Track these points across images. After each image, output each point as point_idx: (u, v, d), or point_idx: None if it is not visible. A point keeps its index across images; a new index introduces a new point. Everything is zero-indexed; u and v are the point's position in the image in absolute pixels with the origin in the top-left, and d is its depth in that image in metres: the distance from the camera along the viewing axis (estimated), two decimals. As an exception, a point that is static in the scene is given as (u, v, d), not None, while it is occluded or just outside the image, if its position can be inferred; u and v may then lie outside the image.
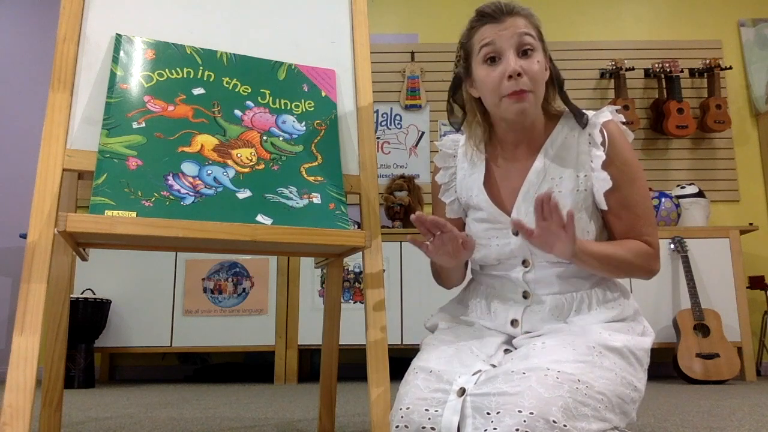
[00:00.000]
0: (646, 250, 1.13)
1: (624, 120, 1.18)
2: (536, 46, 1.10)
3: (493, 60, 1.10)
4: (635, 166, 1.15)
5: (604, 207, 1.14)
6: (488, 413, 0.91)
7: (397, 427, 0.98)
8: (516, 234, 1.16)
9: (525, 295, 1.17)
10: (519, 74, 1.07)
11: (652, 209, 1.18)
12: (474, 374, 1.00)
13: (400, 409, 1.00)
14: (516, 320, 1.15)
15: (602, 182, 1.13)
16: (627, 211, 1.14)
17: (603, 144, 1.13)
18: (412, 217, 1.02)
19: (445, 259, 1.09)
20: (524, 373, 0.94)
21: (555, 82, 1.17)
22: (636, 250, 1.12)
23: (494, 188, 1.21)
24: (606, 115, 1.16)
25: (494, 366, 1.04)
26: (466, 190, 1.25)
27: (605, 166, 1.13)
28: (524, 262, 1.17)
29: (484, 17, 1.12)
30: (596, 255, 1.07)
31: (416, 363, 1.10)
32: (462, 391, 0.97)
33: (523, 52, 1.09)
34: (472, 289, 1.27)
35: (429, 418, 0.96)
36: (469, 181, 1.25)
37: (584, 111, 1.18)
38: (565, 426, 0.88)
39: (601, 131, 1.14)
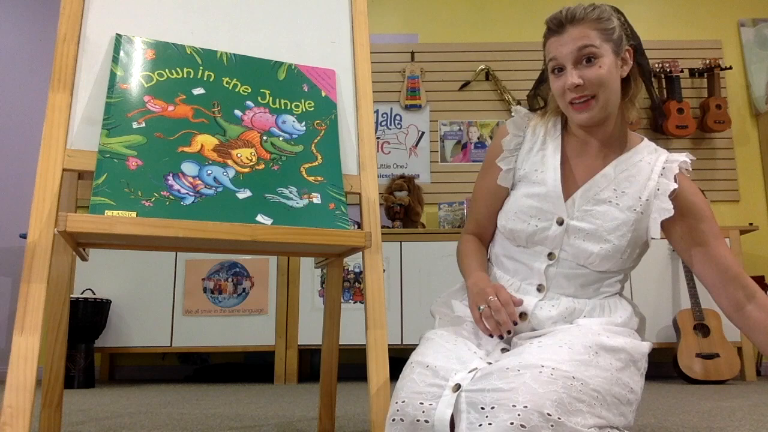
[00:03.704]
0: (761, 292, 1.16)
1: (690, 170, 1.22)
2: (599, 52, 1.12)
3: (560, 71, 1.15)
4: (710, 209, 1.21)
5: (656, 235, 1.16)
6: (482, 408, 0.92)
7: (393, 420, 0.99)
8: (560, 223, 1.17)
9: (539, 288, 1.17)
10: (577, 86, 1.12)
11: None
12: (470, 371, 1.01)
13: (396, 402, 1.00)
14: (525, 314, 1.15)
15: (663, 211, 1.15)
16: (723, 245, 1.17)
17: (675, 180, 1.17)
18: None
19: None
20: (519, 370, 0.95)
21: (639, 76, 1.20)
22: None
23: (561, 173, 1.21)
24: (683, 157, 1.20)
25: (490, 363, 1.04)
26: (530, 164, 1.24)
27: (676, 198, 1.16)
28: (550, 255, 1.18)
29: (549, 30, 1.16)
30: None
31: (414, 358, 1.10)
32: (457, 387, 0.97)
33: (587, 60, 1.12)
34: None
35: (423, 411, 0.97)
36: (537, 155, 1.24)
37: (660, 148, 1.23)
38: (559, 419, 0.88)
39: (678, 167, 1.18)
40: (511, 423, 0.87)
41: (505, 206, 1.24)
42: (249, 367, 3.55)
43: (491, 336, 1.12)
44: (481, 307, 1.12)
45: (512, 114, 1.30)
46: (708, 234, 1.17)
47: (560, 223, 1.17)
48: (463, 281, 1.31)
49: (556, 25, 1.14)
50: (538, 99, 1.29)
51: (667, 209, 1.14)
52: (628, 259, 1.18)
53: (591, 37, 1.11)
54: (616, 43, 1.14)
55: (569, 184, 1.20)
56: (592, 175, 1.19)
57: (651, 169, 1.18)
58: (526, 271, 1.19)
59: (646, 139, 1.24)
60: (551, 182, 1.19)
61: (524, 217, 1.19)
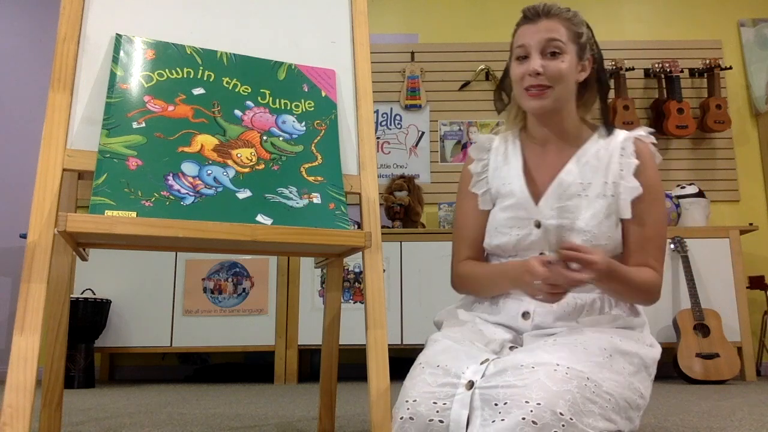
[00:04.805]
0: (655, 281, 1.16)
1: (654, 141, 1.24)
2: (565, 49, 1.17)
3: (524, 58, 1.20)
4: (658, 189, 1.20)
5: (627, 215, 1.17)
6: (496, 404, 0.92)
7: (401, 418, 0.98)
8: (538, 226, 1.19)
9: None
10: (538, 73, 1.16)
11: (665, 238, 1.22)
12: (482, 364, 1.01)
13: (407, 401, 1.00)
14: (527, 312, 1.16)
15: (631, 189, 1.18)
16: (640, 228, 1.18)
17: (636, 156, 1.19)
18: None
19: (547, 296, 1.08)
20: (533, 367, 0.94)
21: (596, 90, 1.25)
22: (649, 279, 1.15)
23: (527, 178, 1.25)
24: (640, 132, 1.23)
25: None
26: (499, 179, 1.28)
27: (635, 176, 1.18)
28: (541, 255, 1.18)
29: (524, 18, 1.22)
30: (622, 276, 1.10)
31: (422, 358, 1.10)
32: (470, 384, 0.97)
33: (551, 53, 1.17)
34: None
35: (437, 411, 0.96)
36: (503, 170, 1.28)
37: (615, 127, 1.26)
38: (571, 419, 0.88)
39: (633, 143, 1.21)
40: (523, 418, 0.87)
41: (487, 226, 1.27)
42: (249, 367, 3.55)
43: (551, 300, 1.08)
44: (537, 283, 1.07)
45: (473, 141, 1.35)
46: (649, 227, 1.18)
47: (538, 225, 1.19)
48: (462, 297, 1.32)
49: (533, 14, 1.19)
50: (502, 94, 1.32)
51: (635, 187, 1.17)
52: (617, 246, 1.19)
53: (560, 32, 1.17)
54: (581, 47, 1.20)
55: (537, 187, 1.23)
56: (556, 173, 1.22)
57: (609, 153, 1.21)
58: None
59: (600, 128, 1.27)
60: (518, 190, 1.23)
61: (504, 230, 1.22)
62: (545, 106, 1.19)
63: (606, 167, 1.20)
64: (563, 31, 1.17)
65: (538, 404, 0.88)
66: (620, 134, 1.23)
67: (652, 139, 1.23)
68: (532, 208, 1.20)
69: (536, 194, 1.22)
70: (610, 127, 1.25)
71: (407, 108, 4.00)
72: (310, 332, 3.20)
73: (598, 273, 1.03)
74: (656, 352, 1.14)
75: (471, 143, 1.37)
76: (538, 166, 1.25)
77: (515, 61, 1.21)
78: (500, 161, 1.30)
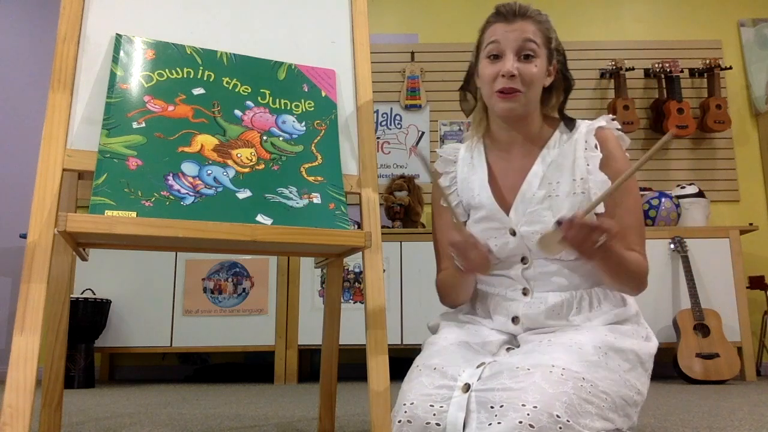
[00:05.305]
0: (645, 265, 1.14)
1: (619, 127, 1.22)
2: (538, 53, 1.16)
3: (495, 57, 1.17)
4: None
5: (601, 209, 1.15)
6: (492, 407, 0.92)
7: (399, 421, 0.98)
8: (513, 234, 1.18)
9: (525, 292, 1.17)
10: (512, 75, 1.14)
11: (643, 224, 1.19)
12: (478, 367, 1.01)
13: (404, 404, 1.00)
14: (517, 317, 1.16)
15: (601, 183, 1.15)
16: (617, 218, 1.15)
17: (597, 148, 1.18)
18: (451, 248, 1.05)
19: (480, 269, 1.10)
20: (529, 370, 0.95)
21: (562, 90, 1.24)
22: (641, 262, 1.13)
23: (494, 186, 1.24)
24: (600, 122, 1.20)
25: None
26: (467, 191, 1.27)
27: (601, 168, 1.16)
28: (523, 260, 1.18)
29: (498, 15, 1.19)
30: (617, 255, 1.08)
31: (419, 361, 1.10)
32: (467, 387, 0.97)
33: (525, 56, 1.15)
34: (473, 293, 1.28)
35: (434, 414, 0.96)
36: (470, 181, 1.27)
37: (575, 119, 1.23)
38: (568, 422, 0.88)
39: (595, 135, 1.18)
40: (520, 422, 0.87)
41: None
42: (249, 367, 3.55)
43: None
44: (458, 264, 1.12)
45: (440, 155, 1.34)
46: (624, 216, 1.16)
47: (513, 233, 1.18)
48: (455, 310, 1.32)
49: (509, 12, 1.17)
50: (467, 95, 1.30)
51: (603, 181, 1.15)
52: None
53: (536, 35, 1.16)
54: (551, 52, 1.19)
55: (506, 193, 1.22)
56: (523, 177, 1.20)
57: (574, 148, 1.19)
58: (508, 280, 1.20)
59: (561, 124, 1.25)
60: (487, 202, 1.22)
61: (482, 241, 1.20)
62: (515, 110, 1.17)
63: (572, 164, 1.18)
64: (539, 34, 1.16)
65: (535, 407, 0.88)
66: (582, 126, 1.21)
67: (615, 124, 1.20)
68: (503, 217, 1.20)
69: (506, 202, 1.21)
70: (569, 121, 1.22)
71: (407, 108, 4.00)
72: (310, 332, 3.20)
73: (615, 232, 1.01)
74: (652, 346, 1.13)
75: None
76: (505, 171, 1.24)
77: (486, 59, 1.18)
78: (467, 171, 1.29)
